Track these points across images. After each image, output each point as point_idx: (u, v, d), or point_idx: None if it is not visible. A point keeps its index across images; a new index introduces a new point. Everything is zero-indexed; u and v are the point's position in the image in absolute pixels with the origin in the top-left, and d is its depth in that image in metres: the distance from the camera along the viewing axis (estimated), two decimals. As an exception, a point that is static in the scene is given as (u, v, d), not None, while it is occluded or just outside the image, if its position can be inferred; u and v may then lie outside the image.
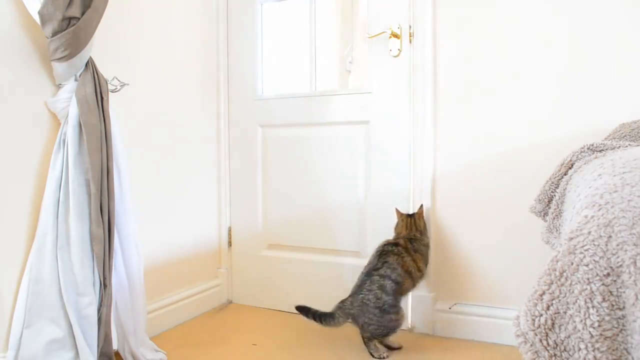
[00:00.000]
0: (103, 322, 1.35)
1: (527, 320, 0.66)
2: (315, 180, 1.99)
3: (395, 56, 1.81)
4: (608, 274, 0.63)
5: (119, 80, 1.55)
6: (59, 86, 1.34)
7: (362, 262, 1.86)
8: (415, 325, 1.80)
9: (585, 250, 0.65)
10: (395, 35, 1.79)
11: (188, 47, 1.95)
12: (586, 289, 0.63)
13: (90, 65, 1.36)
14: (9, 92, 1.26)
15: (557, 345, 0.64)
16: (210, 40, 2.08)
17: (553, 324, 0.65)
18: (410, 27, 1.78)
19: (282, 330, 1.84)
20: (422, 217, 1.70)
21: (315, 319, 1.58)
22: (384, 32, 1.80)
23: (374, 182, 1.87)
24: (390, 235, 1.70)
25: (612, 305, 0.62)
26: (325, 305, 1.70)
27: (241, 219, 2.15)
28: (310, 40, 2.03)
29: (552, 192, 1.11)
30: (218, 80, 2.12)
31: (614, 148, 1.06)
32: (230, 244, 2.18)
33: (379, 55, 1.85)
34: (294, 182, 2.04)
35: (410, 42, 1.79)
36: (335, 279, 1.95)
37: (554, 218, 1.06)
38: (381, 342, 1.59)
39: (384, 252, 1.59)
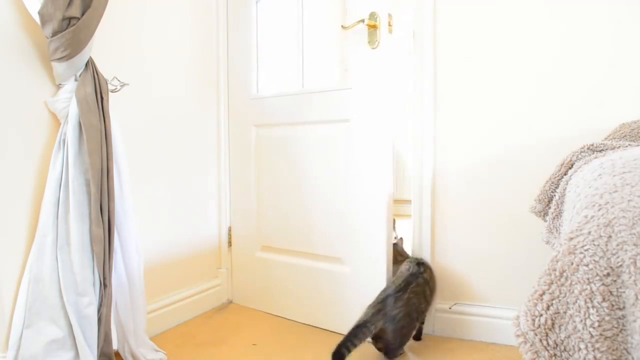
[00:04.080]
0: (103, 322, 1.35)
1: (527, 320, 0.66)
2: (299, 182, 1.92)
3: (373, 48, 1.67)
4: (608, 274, 0.63)
5: (119, 80, 1.55)
6: (59, 86, 1.34)
7: (343, 270, 1.78)
8: (415, 325, 1.80)
9: (585, 250, 0.65)
10: (373, 26, 1.65)
11: (188, 47, 1.95)
12: (586, 289, 0.63)
13: (90, 65, 1.36)
14: (9, 92, 1.26)
15: (557, 345, 0.64)
16: (211, 40, 2.08)
17: (553, 324, 0.65)
18: (389, 15, 1.64)
19: (282, 331, 1.84)
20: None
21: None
22: (360, 22, 1.66)
23: (354, 184, 1.76)
24: (374, 243, 1.69)
25: (612, 305, 0.62)
26: (308, 311, 1.68)
27: (240, 219, 2.15)
28: (297, 36, 1.95)
29: (552, 192, 1.11)
30: (218, 79, 2.12)
31: (614, 148, 1.06)
32: (230, 244, 2.18)
33: (357, 48, 1.71)
34: (282, 183, 1.98)
35: (390, 32, 1.65)
36: (313, 285, 1.88)
37: (554, 218, 1.06)
38: None
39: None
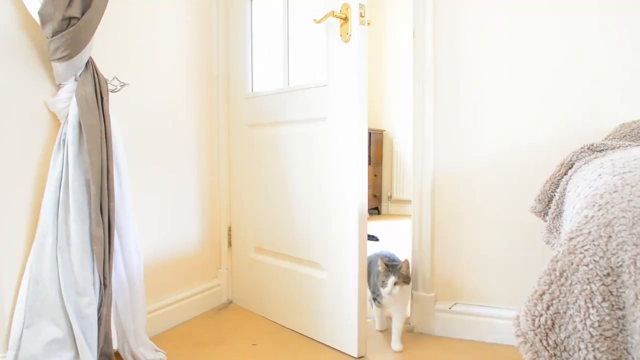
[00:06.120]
0: (103, 322, 1.35)
1: (527, 320, 0.66)
2: (284, 183, 1.87)
3: (345, 42, 1.55)
4: (608, 274, 0.63)
5: (119, 80, 1.55)
6: (59, 86, 1.34)
7: (321, 275, 1.72)
8: (415, 325, 1.80)
9: (585, 250, 0.65)
10: (345, 18, 1.54)
11: (187, 47, 1.95)
12: (586, 289, 0.63)
13: (90, 65, 1.36)
14: (9, 92, 1.26)
15: (557, 345, 0.64)
16: (211, 39, 2.08)
17: (553, 324, 0.65)
18: (360, 5, 1.52)
19: (282, 331, 1.84)
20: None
21: None
22: (331, 15, 1.54)
23: (330, 190, 1.66)
24: (348, 251, 1.60)
25: (612, 305, 0.62)
26: (292, 316, 1.69)
27: (238, 219, 2.14)
28: (284, 31, 1.89)
29: (552, 192, 1.12)
30: (218, 79, 2.11)
31: (614, 148, 1.06)
32: (230, 244, 2.18)
33: (331, 42, 1.62)
34: (271, 184, 1.94)
35: (362, 24, 1.53)
36: (297, 290, 1.83)
37: (554, 218, 1.06)
38: None
39: None
